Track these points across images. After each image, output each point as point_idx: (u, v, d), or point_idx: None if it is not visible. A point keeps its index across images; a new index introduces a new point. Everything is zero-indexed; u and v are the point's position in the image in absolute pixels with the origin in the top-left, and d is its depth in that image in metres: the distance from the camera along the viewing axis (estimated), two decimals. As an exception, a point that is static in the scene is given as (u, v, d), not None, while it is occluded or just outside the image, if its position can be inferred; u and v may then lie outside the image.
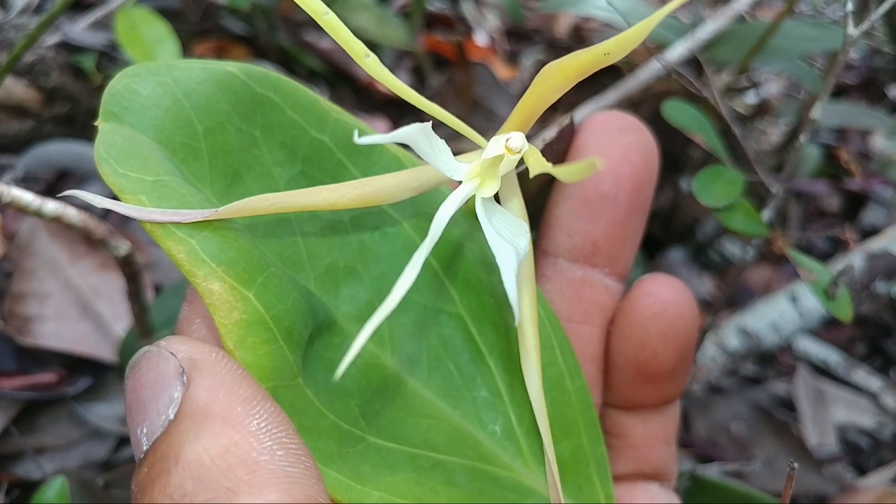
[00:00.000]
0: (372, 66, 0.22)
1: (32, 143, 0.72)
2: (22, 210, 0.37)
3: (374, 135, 0.23)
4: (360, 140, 0.20)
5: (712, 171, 0.35)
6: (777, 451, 0.80)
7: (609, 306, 0.32)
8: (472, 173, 0.23)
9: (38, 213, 0.36)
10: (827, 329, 0.88)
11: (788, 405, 0.83)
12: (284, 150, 0.26)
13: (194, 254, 0.21)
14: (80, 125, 0.75)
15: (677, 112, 0.37)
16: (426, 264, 0.26)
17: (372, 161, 0.28)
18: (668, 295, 0.31)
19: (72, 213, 0.37)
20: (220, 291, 0.20)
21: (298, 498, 0.18)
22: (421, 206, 0.28)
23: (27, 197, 0.36)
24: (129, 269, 0.40)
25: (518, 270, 0.22)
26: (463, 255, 0.28)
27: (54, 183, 0.72)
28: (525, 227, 0.23)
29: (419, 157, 0.22)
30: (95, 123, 0.23)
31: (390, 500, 0.22)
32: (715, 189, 0.34)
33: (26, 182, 0.70)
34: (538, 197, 0.31)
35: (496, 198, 0.24)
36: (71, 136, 0.74)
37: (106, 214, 0.60)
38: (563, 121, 0.30)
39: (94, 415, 0.56)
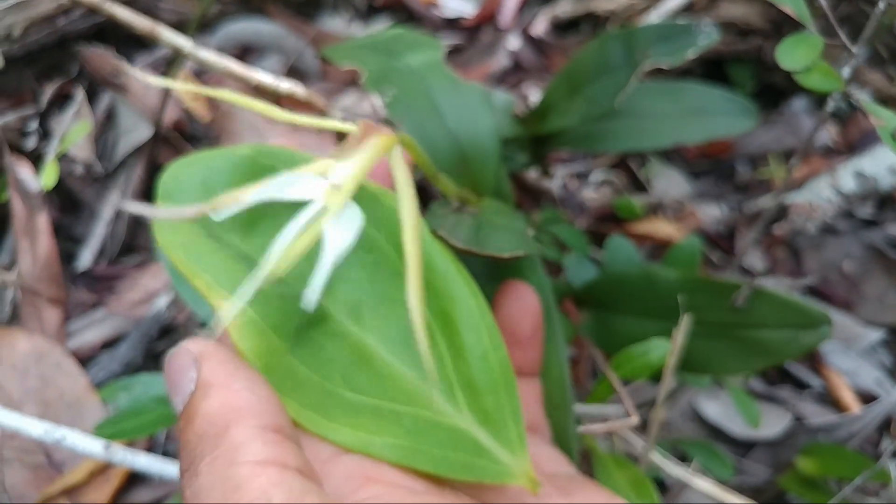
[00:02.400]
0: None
1: (220, 23, 0.84)
2: (262, 89, 0.48)
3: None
4: (216, 218, 0.34)
5: (795, 37, 0.40)
6: (887, 287, 0.85)
7: None
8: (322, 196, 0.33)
9: (275, 91, 0.48)
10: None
11: (903, 246, 0.85)
12: (283, 205, 0.36)
13: (209, 283, 0.33)
14: (256, 4, 0.86)
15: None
16: (396, 267, 0.37)
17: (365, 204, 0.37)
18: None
19: (300, 90, 0.48)
20: (223, 304, 0.33)
21: (266, 424, 0.30)
22: (384, 224, 0.38)
23: (267, 78, 0.48)
24: (340, 133, 0.51)
25: (408, 225, 0.34)
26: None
27: (240, 55, 0.84)
28: (356, 216, 0.33)
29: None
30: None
31: (351, 433, 0.34)
32: (796, 53, 0.40)
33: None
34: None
35: None
36: (249, 14, 0.86)
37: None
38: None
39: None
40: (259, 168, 0.37)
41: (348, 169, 0.33)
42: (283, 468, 0.29)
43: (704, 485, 0.47)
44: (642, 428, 0.52)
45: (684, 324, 0.46)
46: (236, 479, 0.28)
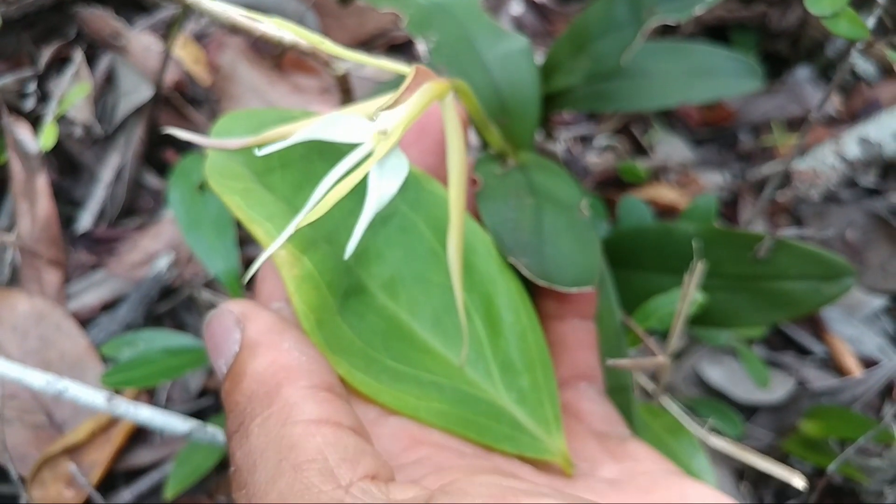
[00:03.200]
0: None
1: (219, -14, 0.83)
2: (267, 39, 0.47)
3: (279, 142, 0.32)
4: (260, 152, 0.32)
5: None
6: (891, 254, 0.84)
7: None
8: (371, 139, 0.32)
9: (279, 42, 0.47)
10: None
11: (906, 215, 0.85)
12: (337, 159, 0.36)
13: (269, 232, 0.32)
14: (256, -33, 0.85)
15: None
16: (433, 248, 0.37)
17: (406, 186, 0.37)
18: None
19: (303, 43, 0.47)
20: (284, 255, 0.32)
21: (317, 383, 0.30)
22: (423, 207, 0.38)
23: (271, 29, 0.47)
24: (344, 86, 0.51)
25: (454, 178, 0.34)
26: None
27: (240, 20, 0.83)
28: (403, 164, 0.32)
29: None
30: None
31: (399, 396, 0.34)
32: (824, 0, 0.40)
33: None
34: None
35: None
36: (248, -22, 0.85)
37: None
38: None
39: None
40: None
41: (398, 114, 0.32)
42: (338, 427, 0.28)
43: (719, 442, 0.47)
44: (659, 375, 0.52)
45: (696, 275, 0.46)
46: (291, 438, 0.27)
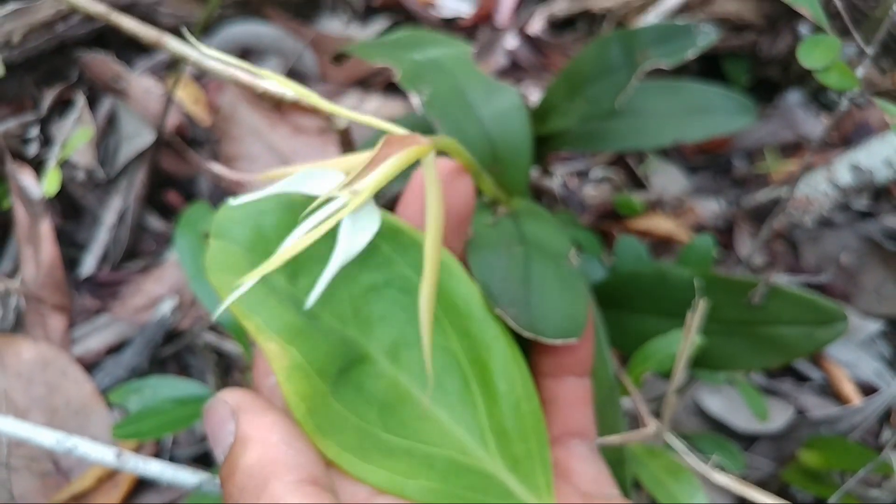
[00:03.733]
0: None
1: (219, 26, 0.84)
2: (269, 96, 0.48)
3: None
4: (234, 202, 0.34)
5: (813, 39, 0.42)
6: (885, 278, 0.85)
7: None
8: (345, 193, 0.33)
9: (281, 99, 0.48)
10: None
11: (900, 238, 0.86)
12: (333, 240, 0.37)
13: (259, 326, 0.33)
14: (254, 7, 0.86)
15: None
16: (435, 310, 0.38)
17: (397, 240, 0.39)
18: None
19: (313, 97, 0.48)
20: (273, 347, 0.33)
21: (304, 477, 0.31)
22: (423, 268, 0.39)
23: (273, 87, 0.48)
24: (345, 137, 0.52)
25: (429, 237, 0.35)
26: (455, 301, 0.40)
27: (241, 57, 0.84)
28: (375, 219, 0.34)
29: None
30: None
31: (386, 475, 0.34)
32: (815, 54, 0.41)
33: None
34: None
35: None
36: (247, 16, 0.86)
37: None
38: None
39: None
40: (305, 204, 0.37)
41: (372, 171, 0.33)
42: None
43: (723, 479, 0.47)
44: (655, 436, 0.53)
45: (697, 317, 0.47)
46: None
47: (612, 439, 0.44)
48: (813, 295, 0.48)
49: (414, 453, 0.36)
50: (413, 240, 0.39)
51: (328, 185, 0.33)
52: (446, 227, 0.40)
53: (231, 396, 0.34)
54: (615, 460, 0.45)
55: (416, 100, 0.51)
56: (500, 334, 0.39)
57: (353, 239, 0.33)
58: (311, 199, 0.36)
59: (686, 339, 0.47)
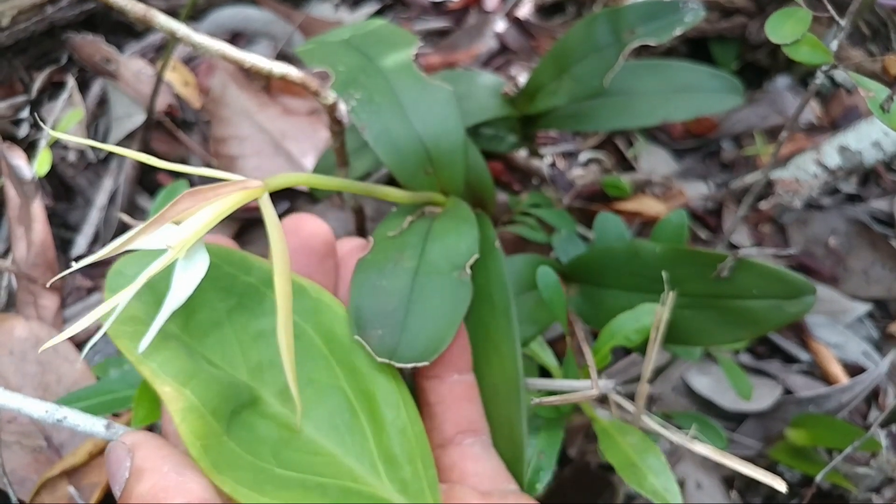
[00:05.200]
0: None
1: (209, 10, 0.84)
2: (257, 70, 0.48)
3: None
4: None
5: (784, 12, 0.41)
6: (873, 261, 0.85)
7: None
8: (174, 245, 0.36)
9: (269, 73, 0.48)
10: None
11: (888, 221, 0.87)
12: (224, 292, 0.41)
13: (154, 371, 0.36)
14: (244, -10, 0.86)
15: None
16: (322, 352, 0.41)
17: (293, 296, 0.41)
18: None
19: (293, 72, 0.49)
20: (169, 391, 0.35)
21: (193, 499, 0.33)
22: (310, 314, 0.42)
23: (261, 61, 0.48)
24: (333, 114, 0.52)
25: (278, 276, 0.37)
26: (339, 338, 0.42)
27: (230, 42, 0.85)
28: (204, 261, 0.37)
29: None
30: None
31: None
32: (784, 28, 0.40)
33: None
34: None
35: None
36: (237, 0, 0.86)
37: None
38: None
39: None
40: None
41: (197, 220, 0.36)
42: None
43: (703, 449, 0.48)
44: (604, 400, 0.53)
45: (670, 298, 0.47)
46: None
47: (552, 400, 0.45)
48: (781, 268, 0.48)
49: (307, 484, 0.38)
50: (300, 286, 0.42)
51: (159, 240, 0.36)
52: (312, 266, 0.44)
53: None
54: (513, 456, 0.45)
55: (343, 107, 0.51)
56: (382, 365, 0.42)
57: (187, 280, 0.36)
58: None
59: (658, 324, 0.48)
